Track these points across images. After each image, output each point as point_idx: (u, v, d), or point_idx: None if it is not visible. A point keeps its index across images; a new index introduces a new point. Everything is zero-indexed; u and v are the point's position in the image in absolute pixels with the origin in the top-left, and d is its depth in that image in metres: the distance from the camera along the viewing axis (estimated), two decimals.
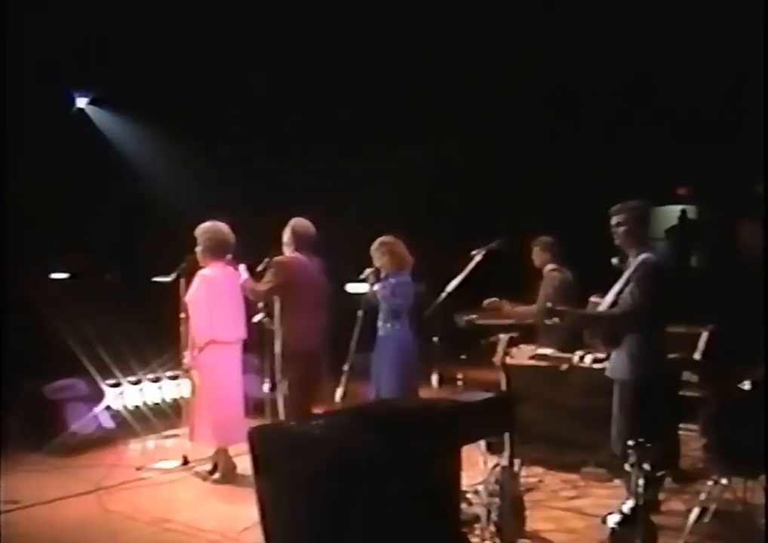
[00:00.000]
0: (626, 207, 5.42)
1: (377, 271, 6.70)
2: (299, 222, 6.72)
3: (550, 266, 7.36)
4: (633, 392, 5.34)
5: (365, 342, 6.61)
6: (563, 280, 7.14)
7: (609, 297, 5.40)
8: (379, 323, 6.68)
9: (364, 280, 6.73)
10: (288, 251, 6.68)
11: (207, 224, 6.67)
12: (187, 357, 6.69)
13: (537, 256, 7.46)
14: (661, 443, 5.18)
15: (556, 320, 5.32)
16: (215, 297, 6.51)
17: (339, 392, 6.40)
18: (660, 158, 11.58)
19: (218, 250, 6.59)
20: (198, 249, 6.63)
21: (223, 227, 6.67)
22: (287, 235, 6.71)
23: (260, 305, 6.73)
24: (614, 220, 5.44)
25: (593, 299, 5.78)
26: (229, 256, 6.65)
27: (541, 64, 10.13)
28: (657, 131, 11.38)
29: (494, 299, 6.66)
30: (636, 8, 8.98)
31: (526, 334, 6.61)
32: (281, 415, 6.45)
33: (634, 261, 5.35)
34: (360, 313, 6.53)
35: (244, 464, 6.01)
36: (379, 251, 6.72)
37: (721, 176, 11.63)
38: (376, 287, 6.62)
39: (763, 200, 9.65)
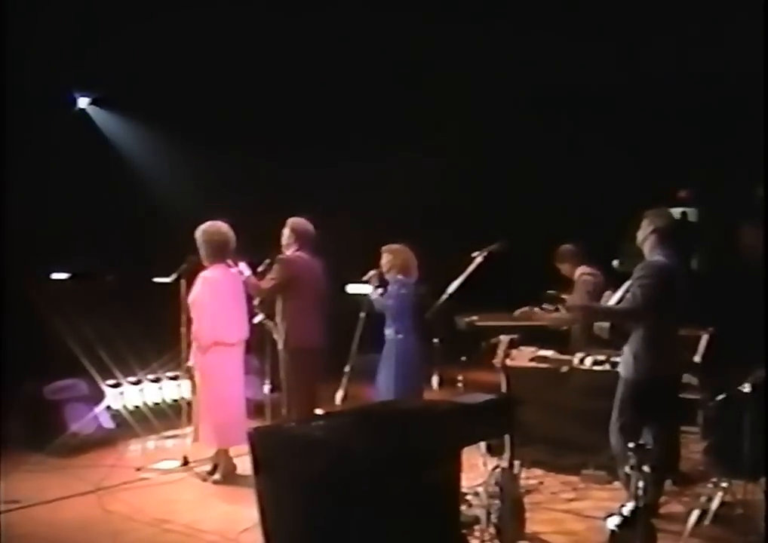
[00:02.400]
0: (659, 212, 5.61)
1: (380, 274, 6.72)
2: (298, 221, 6.74)
3: (581, 269, 7.37)
4: (632, 390, 5.37)
5: (367, 344, 6.63)
6: (597, 284, 7.08)
7: (618, 294, 5.49)
8: (386, 328, 6.70)
9: (366, 282, 6.76)
10: (290, 251, 6.70)
11: (206, 224, 6.62)
12: (193, 358, 6.68)
13: (566, 268, 7.51)
14: (658, 446, 5.21)
15: (562, 310, 5.35)
16: (218, 298, 6.49)
17: (339, 394, 6.41)
18: (661, 161, 11.58)
19: (218, 250, 6.56)
20: (200, 250, 6.61)
21: (223, 227, 6.62)
22: (286, 235, 6.72)
23: (255, 301, 6.74)
24: (645, 221, 5.57)
25: (607, 293, 5.84)
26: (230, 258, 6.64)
27: (542, 66, 10.13)
28: (658, 133, 11.38)
29: (525, 308, 6.46)
30: (637, 9, 8.98)
31: (531, 337, 6.60)
32: (284, 413, 6.48)
33: (643, 262, 5.46)
34: (362, 314, 6.55)
35: (244, 464, 6.01)
36: (387, 253, 6.75)
37: (722, 178, 11.62)
38: (378, 292, 6.64)
39: (763, 204, 9.65)
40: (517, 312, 6.28)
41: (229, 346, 6.59)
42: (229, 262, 6.62)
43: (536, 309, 6.22)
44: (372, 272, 6.74)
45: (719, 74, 9.92)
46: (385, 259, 6.77)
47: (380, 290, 6.69)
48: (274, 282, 6.56)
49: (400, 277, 6.69)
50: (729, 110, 10.25)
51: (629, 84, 10.55)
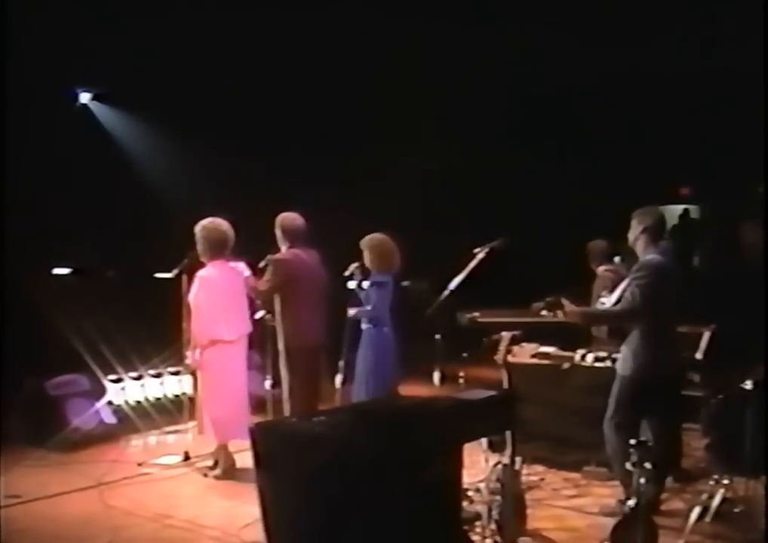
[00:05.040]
0: (647, 211, 5.58)
1: (362, 267, 6.64)
2: (285, 218, 6.70)
3: (603, 267, 7.43)
4: (631, 388, 5.37)
5: (358, 340, 6.61)
6: (614, 281, 7.09)
7: (615, 295, 5.48)
8: (362, 324, 6.63)
9: (350, 277, 6.66)
10: (284, 248, 6.68)
11: (205, 221, 6.61)
12: (190, 357, 6.68)
13: (593, 258, 7.62)
14: (659, 443, 5.21)
15: (560, 313, 5.35)
16: (214, 298, 6.46)
17: (338, 378, 6.39)
18: (663, 158, 11.58)
19: (216, 247, 6.54)
20: (198, 246, 6.60)
21: (222, 224, 6.60)
22: (277, 233, 6.70)
23: (259, 302, 6.75)
24: (634, 221, 5.56)
25: (604, 293, 5.84)
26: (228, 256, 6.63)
27: (544, 63, 10.14)
28: (660, 130, 11.38)
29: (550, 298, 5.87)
30: (637, 6, 8.99)
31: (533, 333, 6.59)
32: (286, 412, 6.47)
33: (639, 261, 5.42)
34: (349, 310, 6.53)
35: (245, 460, 6.02)
36: (363, 248, 6.65)
37: (724, 175, 11.62)
38: (353, 285, 6.53)
39: (764, 201, 9.65)
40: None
41: (228, 344, 6.56)
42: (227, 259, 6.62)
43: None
44: (353, 266, 6.66)
45: (721, 72, 9.92)
46: (364, 255, 6.68)
47: (366, 283, 6.58)
48: (269, 284, 6.55)
49: (377, 270, 6.58)
50: (730, 107, 10.25)
51: (632, 81, 10.55)
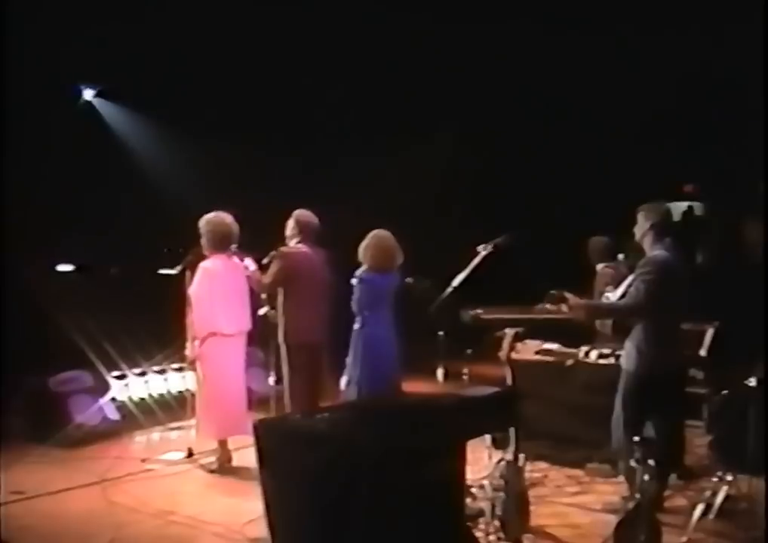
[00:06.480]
0: (654, 207, 5.56)
1: None
2: (302, 213, 6.72)
3: (603, 264, 7.45)
4: (635, 383, 5.37)
5: None
6: (615, 277, 7.09)
7: (620, 290, 5.48)
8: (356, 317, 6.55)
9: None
10: (292, 242, 6.69)
11: (210, 215, 6.66)
12: (189, 349, 6.70)
13: (594, 255, 7.64)
14: (663, 440, 5.20)
15: (564, 308, 5.35)
16: (216, 289, 6.50)
17: (344, 380, 6.38)
18: (667, 155, 11.56)
19: (220, 241, 6.59)
20: (202, 240, 6.63)
21: (226, 218, 6.65)
22: (290, 226, 6.71)
23: (263, 296, 6.75)
24: (640, 217, 5.54)
25: (609, 288, 5.84)
26: (233, 247, 6.63)
27: (549, 59, 10.12)
28: (663, 128, 11.36)
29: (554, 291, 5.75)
30: (638, 5, 8.99)
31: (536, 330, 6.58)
32: (287, 407, 6.47)
33: (645, 257, 5.42)
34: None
35: (248, 457, 6.01)
36: (363, 244, 6.45)
37: (728, 173, 11.60)
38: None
39: (764, 200, 9.64)
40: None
41: (226, 337, 6.57)
42: (234, 256, 6.63)
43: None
44: None
45: (722, 70, 9.90)
46: (361, 248, 6.56)
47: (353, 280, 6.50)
48: (272, 277, 6.55)
49: (372, 269, 6.44)
50: (734, 105, 10.23)
51: (634, 79, 10.53)
